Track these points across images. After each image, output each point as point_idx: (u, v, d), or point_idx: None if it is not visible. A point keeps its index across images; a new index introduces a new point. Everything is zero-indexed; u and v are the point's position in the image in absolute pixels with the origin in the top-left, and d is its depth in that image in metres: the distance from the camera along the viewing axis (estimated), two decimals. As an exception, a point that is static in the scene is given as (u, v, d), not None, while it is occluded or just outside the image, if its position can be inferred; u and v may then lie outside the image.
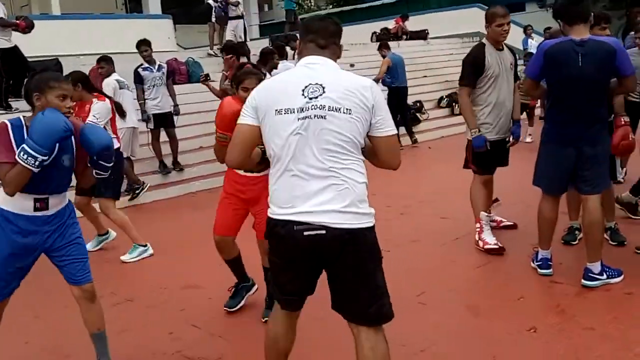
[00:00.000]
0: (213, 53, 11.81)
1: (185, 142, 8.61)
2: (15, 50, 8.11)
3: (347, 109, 2.25)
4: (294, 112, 2.27)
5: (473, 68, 4.54)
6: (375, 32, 17.27)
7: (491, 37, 4.54)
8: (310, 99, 2.26)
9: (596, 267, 3.78)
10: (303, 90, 2.28)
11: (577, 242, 4.60)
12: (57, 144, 2.75)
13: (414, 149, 10.23)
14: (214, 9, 11.84)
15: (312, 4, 29.63)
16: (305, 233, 2.22)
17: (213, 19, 12.03)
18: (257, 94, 2.40)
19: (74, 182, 3.18)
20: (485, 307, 3.73)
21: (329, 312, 2.44)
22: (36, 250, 2.93)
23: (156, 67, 7.73)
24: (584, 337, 3.25)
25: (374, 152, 2.43)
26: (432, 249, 4.90)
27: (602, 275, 3.79)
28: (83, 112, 4.79)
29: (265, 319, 3.34)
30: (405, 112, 10.24)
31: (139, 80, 7.71)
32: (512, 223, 5.19)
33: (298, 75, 2.37)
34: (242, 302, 3.88)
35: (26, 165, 2.65)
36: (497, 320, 3.55)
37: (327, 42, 2.42)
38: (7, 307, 3.02)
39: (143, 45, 7.63)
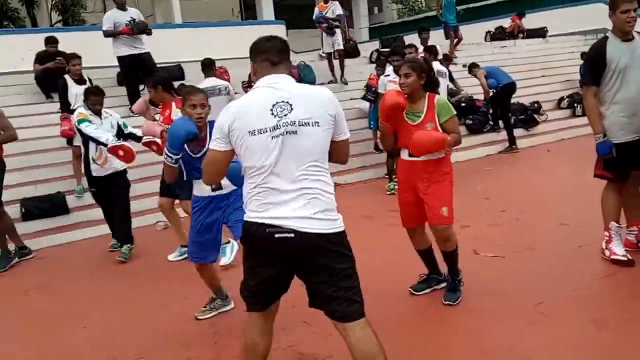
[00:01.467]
0: (324, 55, 11.99)
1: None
2: (145, 56, 8.68)
3: (315, 122, 2.42)
4: (267, 131, 2.40)
5: (593, 63, 4.19)
6: (489, 31, 16.70)
7: (616, 27, 4.11)
8: (281, 117, 2.41)
9: None
10: (272, 109, 2.42)
11: None
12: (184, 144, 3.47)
13: (531, 150, 9.75)
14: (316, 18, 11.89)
15: (423, 5, 29.22)
16: (276, 235, 2.40)
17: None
18: (227, 120, 2.47)
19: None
20: (610, 321, 3.47)
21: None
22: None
23: None
24: None
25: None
26: (550, 257, 4.64)
27: None
28: (164, 112, 5.11)
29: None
30: (507, 112, 9.78)
31: None
32: None
33: (263, 95, 2.48)
34: (428, 290, 4.11)
35: (167, 163, 3.50)
36: (624, 335, 3.29)
37: (280, 59, 2.55)
38: (137, 298, 3.23)
39: None
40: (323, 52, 12.23)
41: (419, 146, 3.65)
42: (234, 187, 3.45)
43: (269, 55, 2.54)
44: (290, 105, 2.42)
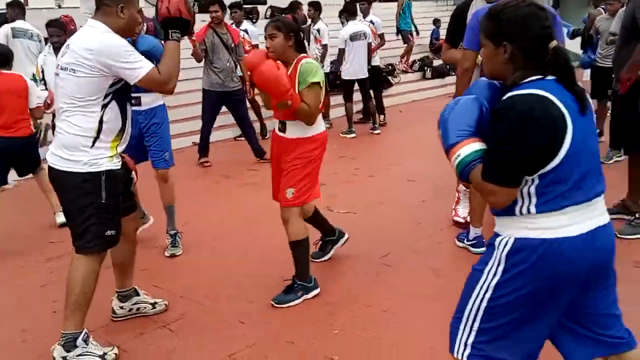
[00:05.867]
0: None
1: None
2: None
3: (72, 69, 2.67)
4: (56, 68, 2.79)
5: (456, 26, 4.06)
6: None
7: None
8: (61, 58, 2.76)
9: None
10: (64, 50, 2.77)
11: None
12: None
13: (385, 111, 10.18)
14: None
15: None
16: None
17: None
18: None
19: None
20: (446, 270, 3.78)
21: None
22: None
23: None
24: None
25: None
26: (396, 211, 4.93)
27: None
28: None
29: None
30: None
31: None
32: None
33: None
34: (325, 258, 3.97)
35: None
36: (456, 281, 3.58)
37: (99, 5, 2.80)
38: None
39: None
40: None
41: (259, 71, 3.16)
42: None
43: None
44: (67, 49, 2.72)
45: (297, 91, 3.25)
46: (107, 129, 2.76)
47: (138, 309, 3.30)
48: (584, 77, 8.24)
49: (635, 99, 3.85)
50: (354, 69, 8.05)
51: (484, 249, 3.82)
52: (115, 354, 2.86)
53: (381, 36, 8.74)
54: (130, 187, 3.10)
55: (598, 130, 6.82)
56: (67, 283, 2.81)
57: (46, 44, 6.05)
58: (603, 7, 7.40)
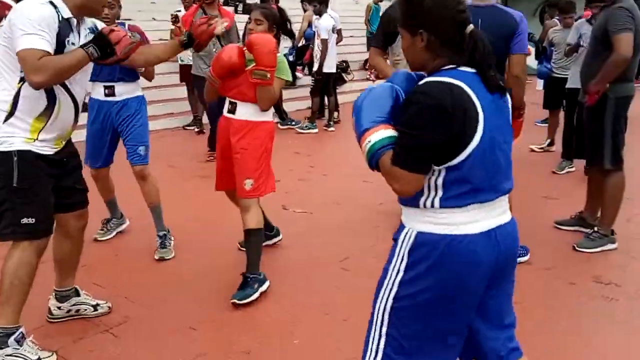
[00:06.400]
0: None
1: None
2: None
3: None
4: None
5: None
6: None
7: None
8: None
9: None
10: None
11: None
12: None
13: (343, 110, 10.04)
14: None
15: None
16: None
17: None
18: None
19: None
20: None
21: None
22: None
23: None
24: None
25: None
26: (354, 212, 4.80)
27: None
28: None
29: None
30: None
31: None
32: None
33: None
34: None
35: None
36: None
37: None
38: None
39: None
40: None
41: (225, 51, 3.26)
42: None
43: None
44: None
45: None
46: (25, 108, 2.47)
47: (77, 310, 3.03)
48: (538, 86, 8.38)
49: (601, 111, 3.84)
50: (332, 62, 8.14)
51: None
52: None
53: (339, 32, 8.59)
54: (78, 181, 2.80)
55: (549, 140, 6.93)
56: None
57: None
58: (558, 18, 7.53)
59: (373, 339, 1.79)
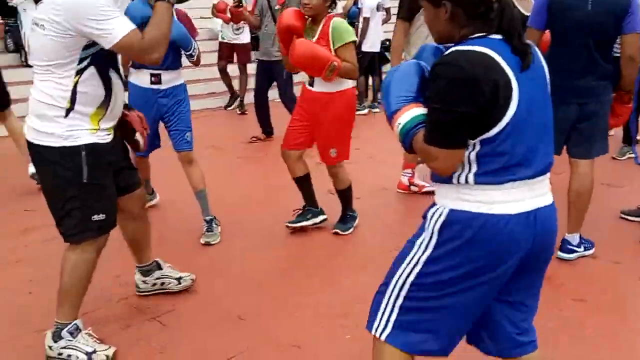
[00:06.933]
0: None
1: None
2: None
3: (41, 25, 2.23)
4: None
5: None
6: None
7: None
8: (36, 11, 2.27)
9: (575, 238, 3.55)
10: None
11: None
12: None
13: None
14: None
15: None
16: None
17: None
18: None
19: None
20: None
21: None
22: None
23: None
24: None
25: None
26: (402, 197, 4.67)
27: (579, 247, 3.55)
28: None
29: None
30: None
31: None
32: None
33: None
34: (305, 223, 3.93)
35: None
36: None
37: None
38: None
39: None
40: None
41: (296, 55, 3.38)
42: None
43: None
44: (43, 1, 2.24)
45: (332, 48, 3.46)
46: (84, 100, 2.30)
47: (162, 283, 3.03)
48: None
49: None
50: (375, 41, 7.89)
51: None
52: (107, 355, 2.49)
53: (387, 10, 8.32)
54: (128, 162, 2.70)
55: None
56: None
57: None
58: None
59: (384, 310, 1.73)
